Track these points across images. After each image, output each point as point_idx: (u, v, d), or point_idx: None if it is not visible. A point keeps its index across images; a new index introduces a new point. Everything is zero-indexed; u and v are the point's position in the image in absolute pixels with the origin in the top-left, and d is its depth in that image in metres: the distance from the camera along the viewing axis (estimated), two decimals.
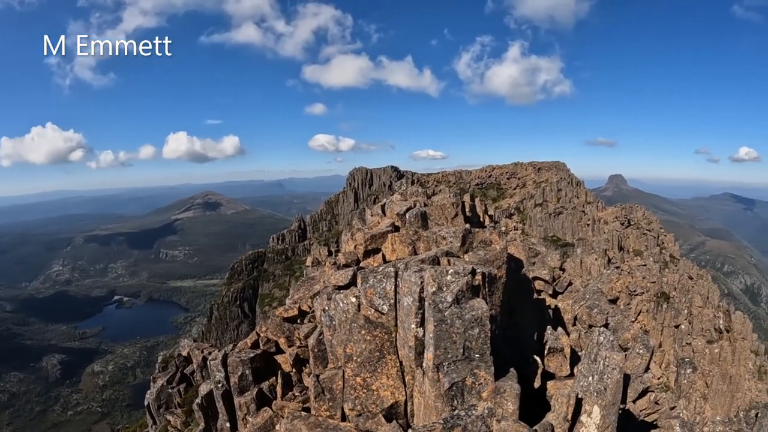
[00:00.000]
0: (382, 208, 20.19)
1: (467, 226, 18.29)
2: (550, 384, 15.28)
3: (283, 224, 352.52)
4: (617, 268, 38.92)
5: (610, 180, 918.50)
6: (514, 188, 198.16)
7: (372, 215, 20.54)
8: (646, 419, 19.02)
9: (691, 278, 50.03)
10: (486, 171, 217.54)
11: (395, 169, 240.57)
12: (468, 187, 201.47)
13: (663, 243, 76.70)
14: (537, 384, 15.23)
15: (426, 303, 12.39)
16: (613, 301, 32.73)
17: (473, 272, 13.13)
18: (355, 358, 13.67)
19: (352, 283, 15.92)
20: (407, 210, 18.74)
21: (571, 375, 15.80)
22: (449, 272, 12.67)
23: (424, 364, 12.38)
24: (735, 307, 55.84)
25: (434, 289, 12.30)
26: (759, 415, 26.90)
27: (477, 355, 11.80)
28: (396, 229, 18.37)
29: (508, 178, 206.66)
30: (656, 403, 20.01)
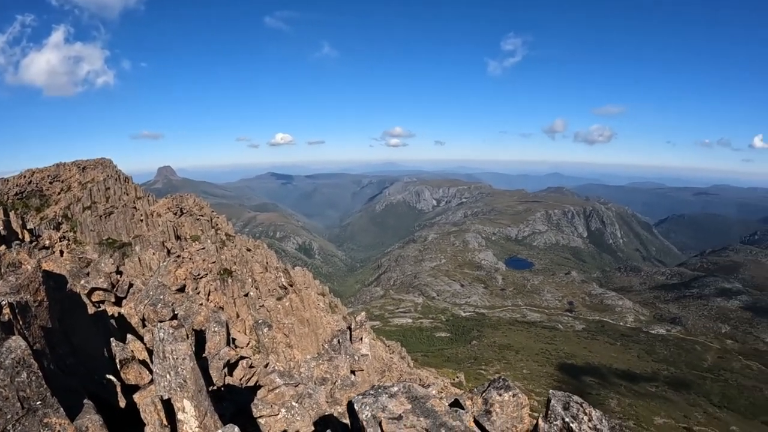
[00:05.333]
0: None
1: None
2: (136, 397, 14.04)
3: None
4: (178, 257, 38.93)
5: (159, 172, 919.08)
6: (59, 193, 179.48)
7: None
8: (248, 384, 19.42)
9: (249, 250, 53.49)
10: (25, 177, 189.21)
11: None
12: (6, 198, 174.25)
13: (217, 225, 79.99)
14: (123, 403, 13.84)
15: None
16: (182, 290, 32.55)
17: None
18: None
19: None
20: None
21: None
22: None
23: None
24: (293, 265, 62.16)
25: None
26: (340, 340, 30.66)
27: (38, 403, 9.72)
28: None
29: (51, 183, 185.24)
30: (251, 366, 20.57)
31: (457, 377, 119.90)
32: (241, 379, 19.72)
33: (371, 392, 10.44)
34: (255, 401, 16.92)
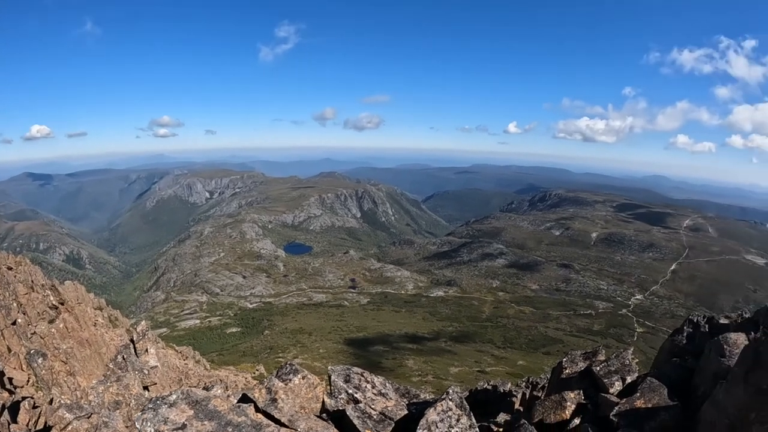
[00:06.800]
0: None
1: None
2: None
3: None
4: None
5: None
6: None
7: None
8: (38, 428, 17.51)
9: (10, 269, 47.72)
10: None
11: None
12: None
13: None
14: None
15: None
16: None
17: None
18: None
19: None
20: None
21: None
22: None
23: None
24: (63, 279, 56.82)
25: None
26: (124, 356, 29.00)
27: None
28: None
29: None
30: (35, 407, 18.49)
31: (257, 370, 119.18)
32: (28, 424, 17.79)
33: (150, 406, 10.08)
34: None
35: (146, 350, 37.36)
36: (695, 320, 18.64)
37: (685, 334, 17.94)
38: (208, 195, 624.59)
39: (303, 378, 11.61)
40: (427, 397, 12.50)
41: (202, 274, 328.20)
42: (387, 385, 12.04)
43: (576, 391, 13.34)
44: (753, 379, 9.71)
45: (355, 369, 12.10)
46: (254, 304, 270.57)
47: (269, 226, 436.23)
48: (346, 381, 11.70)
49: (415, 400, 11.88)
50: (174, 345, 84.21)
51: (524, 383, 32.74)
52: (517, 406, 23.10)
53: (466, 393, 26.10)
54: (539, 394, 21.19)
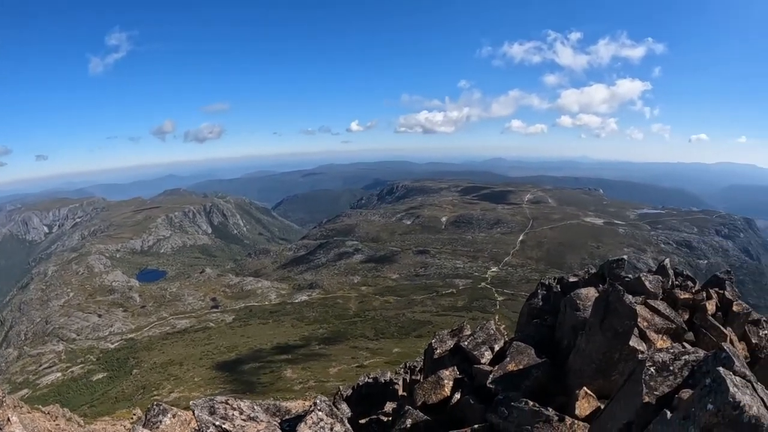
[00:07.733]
0: None
1: None
2: None
3: None
4: None
5: None
6: None
7: None
8: None
9: None
10: None
11: None
12: None
13: None
14: None
15: None
16: None
17: None
18: None
19: None
20: None
21: None
22: None
23: None
24: None
25: None
26: None
27: None
28: None
29: None
30: None
31: (134, 414, 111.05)
32: None
33: None
34: None
35: (8, 419, 33.27)
36: (547, 283, 19.68)
37: (540, 296, 18.91)
38: (46, 229, 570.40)
39: (174, 416, 10.77)
40: (300, 404, 12.00)
41: (53, 320, 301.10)
42: (255, 407, 11.36)
43: (450, 368, 13.71)
44: (608, 325, 10.88)
45: (219, 398, 11.30)
46: (116, 344, 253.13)
47: (117, 256, 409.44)
48: (212, 413, 10.88)
49: (287, 417, 11.41)
50: (39, 406, 76.40)
51: (403, 369, 33.11)
52: (401, 392, 23.25)
53: (350, 390, 25.87)
54: (419, 377, 21.52)
